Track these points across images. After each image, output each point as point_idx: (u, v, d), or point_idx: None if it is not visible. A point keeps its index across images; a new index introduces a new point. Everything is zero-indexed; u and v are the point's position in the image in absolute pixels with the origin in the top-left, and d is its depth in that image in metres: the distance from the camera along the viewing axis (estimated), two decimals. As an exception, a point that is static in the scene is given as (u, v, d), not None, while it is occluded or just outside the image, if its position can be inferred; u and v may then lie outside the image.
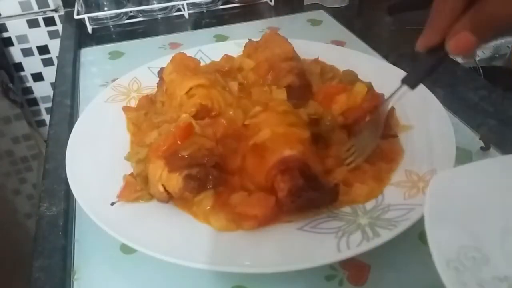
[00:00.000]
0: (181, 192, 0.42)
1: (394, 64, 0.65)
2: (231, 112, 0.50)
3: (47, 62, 1.10)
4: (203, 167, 0.43)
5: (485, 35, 0.33)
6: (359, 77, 0.58)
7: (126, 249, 0.43)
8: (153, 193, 0.44)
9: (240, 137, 0.47)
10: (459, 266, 0.28)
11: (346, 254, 0.37)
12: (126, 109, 0.57)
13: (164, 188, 0.43)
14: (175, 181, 0.42)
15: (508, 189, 0.34)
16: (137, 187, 0.45)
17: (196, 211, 0.43)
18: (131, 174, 0.47)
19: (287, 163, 0.40)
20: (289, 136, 0.43)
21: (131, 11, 0.92)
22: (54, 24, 1.05)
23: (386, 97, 0.46)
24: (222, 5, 0.97)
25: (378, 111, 0.46)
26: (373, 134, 0.46)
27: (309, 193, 0.39)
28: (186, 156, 0.43)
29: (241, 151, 0.46)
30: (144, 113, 0.56)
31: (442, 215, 0.32)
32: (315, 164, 0.42)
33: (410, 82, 0.40)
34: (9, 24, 1.02)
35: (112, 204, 0.43)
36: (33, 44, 1.06)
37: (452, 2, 0.34)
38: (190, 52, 0.62)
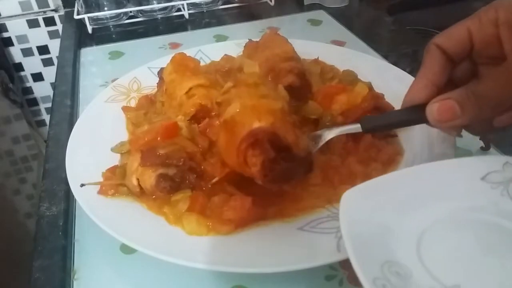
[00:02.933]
0: (152, 190, 0.43)
1: (394, 64, 0.64)
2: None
3: (47, 62, 1.10)
4: (180, 169, 0.43)
5: (472, 113, 0.32)
6: (359, 77, 0.58)
7: (126, 249, 0.43)
8: (127, 185, 0.45)
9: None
10: (386, 283, 0.28)
11: (346, 254, 0.37)
12: (126, 109, 0.58)
13: (138, 182, 0.44)
14: (148, 177, 0.43)
15: (419, 201, 0.34)
16: (114, 182, 0.45)
17: (167, 213, 0.43)
18: (110, 169, 0.47)
19: (255, 135, 0.38)
20: (258, 108, 0.41)
21: (131, 11, 0.91)
22: (54, 24, 1.05)
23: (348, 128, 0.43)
24: (222, 5, 0.97)
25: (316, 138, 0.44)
26: None
27: (281, 165, 0.38)
28: (162, 154, 0.43)
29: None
30: (144, 113, 0.56)
31: (358, 232, 0.31)
32: (287, 134, 0.40)
33: (366, 125, 0.40)
34: (9, 24, 1.02)
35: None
36: (33, 44, 1.06)
37: (441, 58, 0.35)
38: (190, 52, 0.62)
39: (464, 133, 0.56)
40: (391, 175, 0.38)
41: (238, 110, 0.41)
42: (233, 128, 0.40)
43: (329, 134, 0.43)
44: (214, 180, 0.44)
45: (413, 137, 0.50)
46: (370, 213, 0.33)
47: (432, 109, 0.33)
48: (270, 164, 0.38)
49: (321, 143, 0.43)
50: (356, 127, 0.40)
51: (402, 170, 0.39)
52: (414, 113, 0.36)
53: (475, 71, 0.37)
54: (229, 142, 0.41)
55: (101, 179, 0.46)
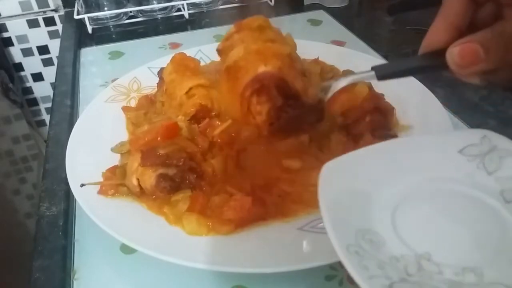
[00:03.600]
0: (152, 190, 0.43)
1: (394, 64, 0.64)
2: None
3: (47, 62, 1.10)
4: (180, 169, 0.43)
5: (497, 55, 0.29)
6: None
7: (126, 249, 0.43)
8: (127, 185, 0.45)
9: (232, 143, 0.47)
10: (359, 250, 0.28)
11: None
12: (126, 109, 0.58)
13: (138, 182, 0.44)
14: (148, 177, 0.43)
15: (397, 173, 0.35)
16: (114, 182, 0.45)
17: (167, 213, 0.43)
18: (110, 169, 0.47)
19: (261, 80, 0.36)
20: (264, 51, 0.38)
21: (131, 11, 0.92)
22: (54, 24, 1.05)
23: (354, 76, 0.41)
24: (222, 5, 0.97)
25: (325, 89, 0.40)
26: None
27: (289, 113, 0.36)
28: (162, 154, 0.43)
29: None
30: (144, 113, 0.56)
31: (336, 201, 0.32)
32: (295, 80, 0.37)
33: (380, 72, 0.37)
34: (9, 24, 1.02)
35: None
36: (33, 44, 1.06)
37: (459, 1, 0.31)
38: (190, 52, 0.62)
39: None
40: (370, 148, 0.37)
41: (241, 54, 0.38)
42: (236, 74, 0.38)
43: (340, 83, 0.40)
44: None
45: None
46: (349, 183, 0.34)
47: (453, 53, 0.30)
48: (277, 112, 0.35)
49: (331, 92, 0.40)
50: (369, 75, 0.38)
51: (382, 143, 0.38)
52: (433, 59, 0.33)
53: (499, 14, 0.32)
54: (231, 90, 0.39)
55: (101, 179, 0.46)
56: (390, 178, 0.35)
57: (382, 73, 0.37)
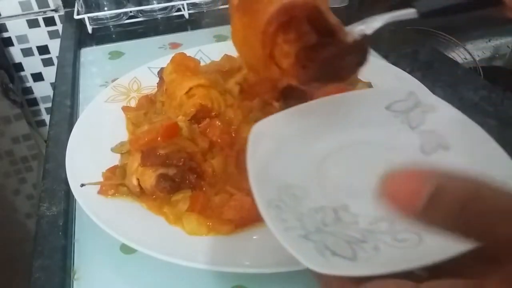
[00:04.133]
0: (152, 190, 0.43)
1: (394, 64, 0.64)
2: (231, 115, 0.51)
3: (47, 62, 1.10)
4: (180, 170, 0.43)
5: None
6: (359, 77, 0.58)
7: (126, 249, 0.43)
8: (127, 185, 0.45)
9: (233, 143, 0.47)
10: (280, 204, 0.29)
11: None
12: (126, 109, 0.58)
13: (138, 182, 0.44)
14: (148, 177, 0.43)
15: (326, 129, 0.35)
16: (114, 182, 0.45)
17: (167, 213, 0.43)
18: (110, 169, 0.47)
19: (290, 11, 0.27)
20: None
21: (131, 11, 0.91)
22: (54, 24, 1.05)
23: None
24: (222, 5, 0.96)
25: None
26: None
27: (325, 53, 0.27)
28: (162, 154, 0.43)
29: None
30: (144, 113, 0.56)
31: (263, 159, 0.32)
32: (329, 12, 0.28)
33: (422, 8, 0.33)
34: (9, 24, 1.02)
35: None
36: (33, 44, 1.06)
37: None
38: (190, 52, 0.62)
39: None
40: (299, 106, 0.37)
41: None
42: (253, 6, 0.28)
43: (378, 21, 0.36)
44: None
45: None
46: (277, 141, 0.34)
47: None
48: (309, 53, 0.27)
49: (369, 31, 0.35)
50: (410, 12, 0.34)
51: (310, 102, 0.37)
52: None
53: None
54: (248, 27, 0.29)
55: (101, 179, 0.46)
56: (318, 134, 0.35)
57: (424, 10, 0.33)
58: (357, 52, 0.28)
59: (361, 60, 0.29)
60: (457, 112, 0.36)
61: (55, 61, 1.06)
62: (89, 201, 0.43)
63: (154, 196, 0.44)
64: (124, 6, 0.91)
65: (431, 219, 0.19)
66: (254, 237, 0.40)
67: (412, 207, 0.19)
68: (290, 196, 0.30)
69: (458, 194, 0.19)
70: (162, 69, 0.59)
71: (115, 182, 0.45)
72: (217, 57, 0.66)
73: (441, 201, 0.19)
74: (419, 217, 0.19)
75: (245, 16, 0.29)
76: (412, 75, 0.59)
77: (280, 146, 0.34)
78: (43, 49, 1.08)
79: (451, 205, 0.18)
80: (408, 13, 0.34)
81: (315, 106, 0.37)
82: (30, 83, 1.12)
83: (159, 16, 0.93)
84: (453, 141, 0.34)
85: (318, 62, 0.27)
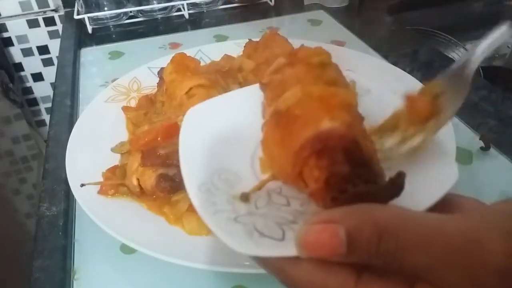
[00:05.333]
0: (152, 190, 0.43)
1: (394, 64, 0.64)
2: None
3: (47, 62, 1.10)
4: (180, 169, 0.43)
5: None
6: (359, 77, 0.58)
7: (126, 249, 0.43)
8: (127, 185, 0.45)
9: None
10: (211, 188, 0.29)
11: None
12: (126, 109, 0.58)
13: (138, 182, 0.44)
14: (148, 177, 0.43)
15: (258, 113, 0.35)
16: (114, 182, 0.45)
17: (167, 212, 0.43)
18: (110, 169, 0.47)
19: (326, 140, 0.27)
20: (328, 99, 0.29)
21: (131, 11, 0.91)
22: (54, 24, 1.05)
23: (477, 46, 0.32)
24: (222, 5, 0.96)
25: (462, 67, 0.32)
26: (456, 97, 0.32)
27: (359, 187, 0.26)
28: (162, 154, 0.43)
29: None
30: (144, 113, 0.56)
31: (196, 144, 0.32)
32: (366, 142, 0.28)
33: None
34: (9, 24, 1.02)
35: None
36: (33, 44, 1.06)
37: None
38: (190, 52, 0.62)
39: (464, 132, 0.57)
40: (235, 91, 0.38)
41: (298, 98, 0.30)
42: (289, 125, 0.29)
43: (475, 59, 0.32)
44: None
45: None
46: (212, 126, 0.35)
47: None
48: (339, 182, 0.26)
49: (468, 77, 0.32)
50: (503, 31, 0.31)
51: (248, 86, 0.38)
52: None
53: None
54: (281, 143, 0.30)
55: (101, 179, 0.46)
56: (253, 119, 0.35)
57: None
58: (391, 188, 0.26)
59: (394, 194, 0.26)
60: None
61: (55, 61, 1.06)
62: (89, 201, 0.43)
63: (154, 196, 0.44)
64: (124, 6, 0.91)
65: (357, 258, 0.22)
66: (254, 237, 0.40)
67: (336, 256, 0.22)
68: (223, 181, 0.30)
69: (367, 236, 0.21)
70: (162, 69, 0.59)
71: (115, 182, 0.45)
72: (217, 57, 0.66)
73: (358, 244, 0.21)
74: (347, 260, 0.22)
75: (278, 130, 0.30)
76: (412, 75, 0.59)
77: (214, 131, 0.34)
78: (43, 49, 1.08)
79: (367, 246, 0.21)
80: (503, 32, 0.31)
81: (250, 90, 0.37)
82: (30, 83, 1.12)
83: (159, 16, 0.93)
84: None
85: (349, 195, 0.26)
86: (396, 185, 0.26)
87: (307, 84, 0.30)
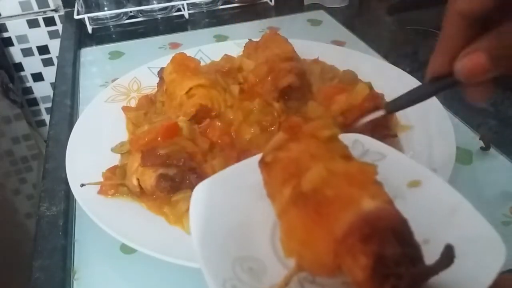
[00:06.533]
0: (152, 190, 0.43)
1: (394, 64, 0.64)
2: (231, 116, 0.51)
3: (47, 62, 1.10)
4: (180, 170, 0.43)
5: (502, 63, 0.27)
6: (359, 77, 0.58)
7: (126, 249, 0.43)
8: (127, 185, 0.45)
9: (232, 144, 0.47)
10: (237, 283, 0.25)
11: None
12: (126, 109, 0.58)
13: (138, 182, 0.44)
14: (148, 177, 0.43)
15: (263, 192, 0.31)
16: (114, 182, 0.45)
17: (167, 212, 0.43)
18: (110, 169, 0.47)
19: (374, 222, 0.24)
20: (357, 176, 0.26)
21: (131, 11, 0.91)
22: (54, 24, 1.05)
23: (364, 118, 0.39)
24: (222, 5, 0.97)
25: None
26: None
27: (410, 270, 0.23)
28: (162, 154, 0.43)
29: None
30: (144, 113, 0.56)
31: (210, 229, 0.28)
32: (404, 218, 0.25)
33: (390, 109, 0.36)
34: (9, 24, 1.02)
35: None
36: (33, 44, 1.06)
37: (463, 25, 0.29)
38: (190, 52, 0.62)
39: (464, 132, 0.56)
40: (243, 162, 0.34)
41: (324, 178, 0.26)
42: (322, 208, 0.25)
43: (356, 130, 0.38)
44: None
45: (412, 137, 0.50)
46: (223, 206, 0.30)
47: (459, 66, 0.29)
48: (392, 268, 0.23)
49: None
50: (379, 113, 0.36)
51: (249, 159, 0.33)
52: (441, 81, 0.32)
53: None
54: (315, 229, 0.26)
55: (101, 179, 0.46)
56: (259, 197, 0.31)
57: (393, 109, 0.36)
58: (442, 263, 0.24)
59: (445, 269, 0.24)
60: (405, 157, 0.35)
61: (55, 61, 1.06)
62: (89, 201, 0.43)
63: (154, 196, 0.44)
64: (124, 6, 0.91)
65: None
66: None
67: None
68: (247, 272, 0.26)
69: None
70: (162, 69, 0.59)
71: (115, 182, 0.45)
72: (217, 57, 0.66)
73: None
74: None
75: (306, 214, 0.26)
76: (412, 75, 0.59)
77: (227, 212, 0.30)
78: (43, 49, 1.08)
79: None
80: (378, 113, 0.37)
81: (254, 163, 0.32)
82: (30, 83, 1.12)
83: (159, 16, 0.93)
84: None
85: (406, 284, 0.23)
86: (448, 258, 0.24)
87: (326, 160, 0.27)
